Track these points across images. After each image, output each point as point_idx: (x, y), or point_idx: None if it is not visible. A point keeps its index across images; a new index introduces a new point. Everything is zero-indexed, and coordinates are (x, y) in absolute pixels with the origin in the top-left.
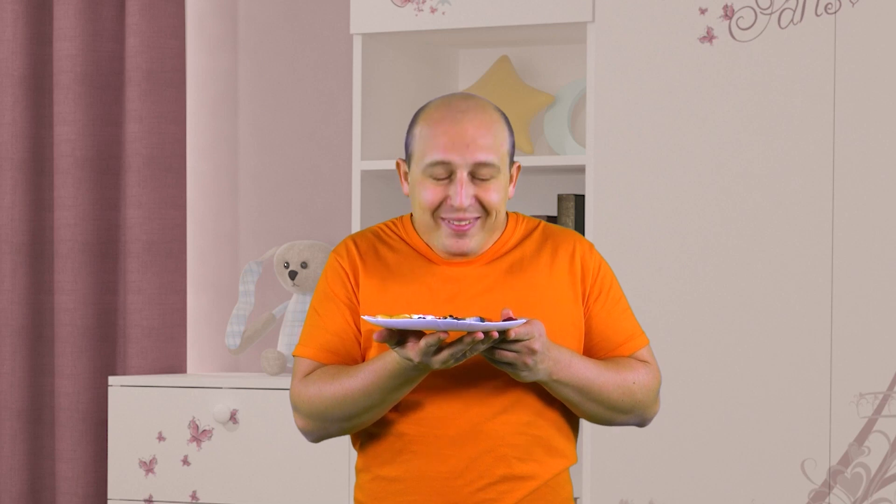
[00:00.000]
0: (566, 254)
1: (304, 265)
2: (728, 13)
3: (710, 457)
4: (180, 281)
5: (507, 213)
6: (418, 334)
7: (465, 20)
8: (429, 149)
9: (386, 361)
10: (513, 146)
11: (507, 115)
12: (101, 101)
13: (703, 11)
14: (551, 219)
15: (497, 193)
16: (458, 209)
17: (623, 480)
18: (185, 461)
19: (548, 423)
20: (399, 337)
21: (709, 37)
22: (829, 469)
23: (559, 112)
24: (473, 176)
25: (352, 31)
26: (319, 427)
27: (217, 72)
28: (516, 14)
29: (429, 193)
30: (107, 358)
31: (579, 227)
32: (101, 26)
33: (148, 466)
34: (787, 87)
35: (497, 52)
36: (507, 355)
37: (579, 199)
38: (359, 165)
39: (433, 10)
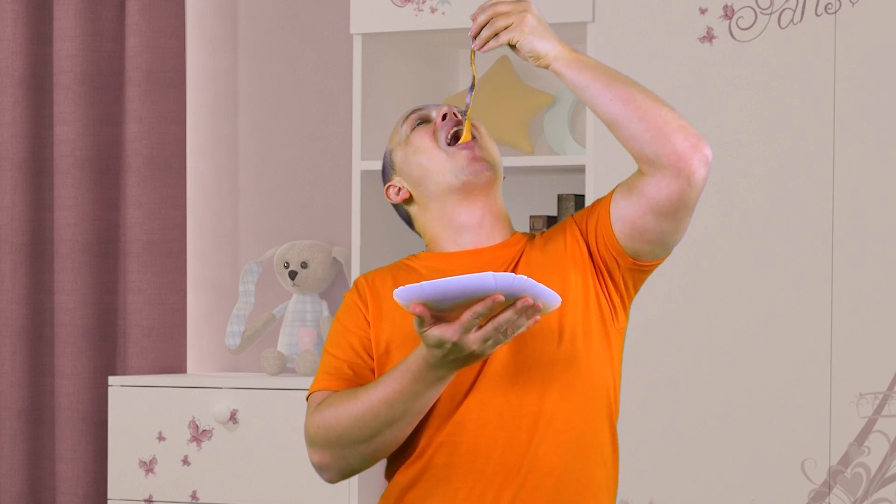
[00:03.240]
0: (559, 234)
1: (304, 265)
2: (728, 13)
3: (710, 457)
4: (180, 281)
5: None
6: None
7: (465, 20)
8: (398, 125)
9: (408, 363)
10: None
11: (507, 115)
12: (101, 101)
13: (703, 11)
14: (551, 219)
15: (480, 125)
16: (447, 119)
17: (623, 480)
18: (185, 461)
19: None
20: (433, 322)
21: (709, 37)
22: (829, 469)
23: (559, 112)
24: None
25: (352, 31)
26: (338, 457)
27: (217, 72)
28: None
29: (419, 135)
30: (107, 358)
31: None
32: (101, 26)
33: (148, 466)
34: (787, 87)
35: (497, 52)
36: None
37: (579, 199)
38: (359, 165)
39: (433, 10)
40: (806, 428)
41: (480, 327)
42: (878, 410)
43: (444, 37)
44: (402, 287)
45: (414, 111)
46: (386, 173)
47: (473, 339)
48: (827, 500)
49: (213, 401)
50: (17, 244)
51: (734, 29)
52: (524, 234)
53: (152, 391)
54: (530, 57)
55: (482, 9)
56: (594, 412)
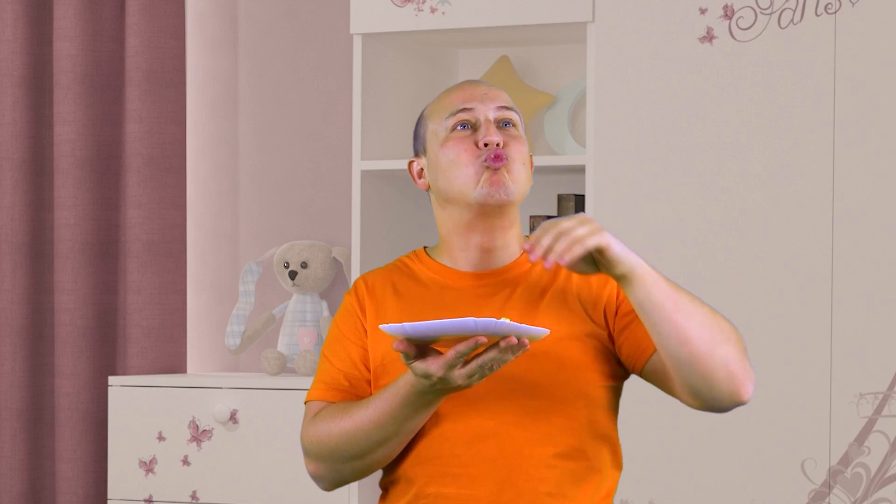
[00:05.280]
0: (600, 288)
1: (304, 265)
2: (728, 13)
3: (710, 457)
4: (180, 281)
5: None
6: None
7: (465, 20)
8: (445, 107)
9: (398, 387)
10: (525, 132)
11: None
12: (101, 101)
13: (703, 11)
14: (551, 219)
15: (521, 144)
16: (491, 144)
17: (623, 480)
18: (185, 461)
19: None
20: (418, 351)
21: (709, 37)
22: (829, 469)
23: (559, 112)
24: (497, 126)
25: (352, 31)
26: (332, 470)
27: (217, 72)
28: (516, 14)
29: (457, 146)
30: (107, 358)
31: None
32: (101, 26)
33: (148, 466)
34: (787, 87)
35: (497, 52)
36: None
37: (579, 199)
38: (359, 165)
39: (433, 10)
40: (806, 428)
41: (466, 363)
42: (878, 410)
43: (444, 37)
44: (386, 325)
45: (462, 109)
46: (416, 144)
47: (458, 375)
48: (827, 500)
49: (213, 401)
50: (17, 244)
51: (734, 29)
52: None
53: (152, 391)
54: (609, 263)
55: (544, 230)
56: (598, 457)
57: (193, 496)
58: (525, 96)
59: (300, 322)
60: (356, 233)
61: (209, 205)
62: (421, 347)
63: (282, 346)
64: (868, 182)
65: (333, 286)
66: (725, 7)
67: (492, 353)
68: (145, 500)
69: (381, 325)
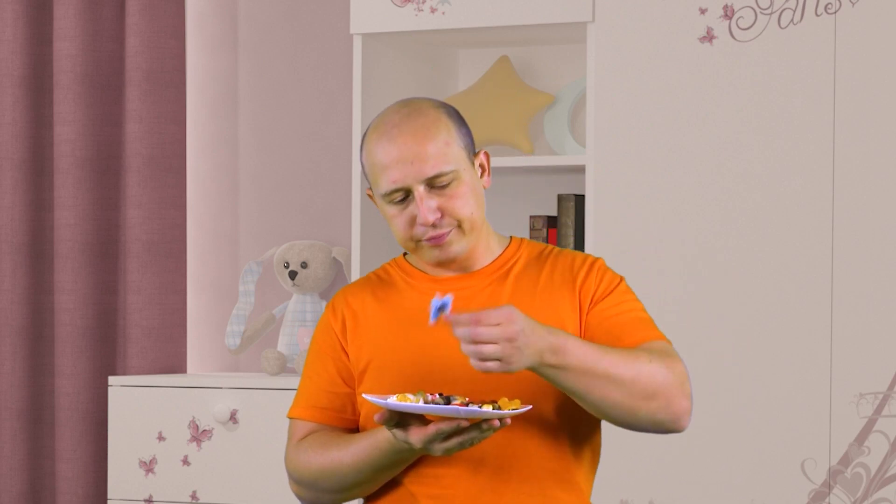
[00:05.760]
0: (569, 272)
1: (304, 265)
2: (728, 13)
3: (710, 457)
4: (180, 281)
5: (510, 237)
6: (420, 417)
7: (465, 20)
8: (377, 178)
9: (377, 440)
10: (468, 138)
11: (507, 115)
12: (101, 101)
13: (703, 11)
14: (551, 219)
15: (461, 198)
16: (427, 226)
17: (623, 480)
18: (185, 461)
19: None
20: (399, 418)
21: (709, 37)
22: (829, 469)
23: (559, 112)
24: (432, 187)
25: (352, 31)
26: (312, 496)
27: (217, 72)
28: (516, 14)
29: (397, 223)
30: (107, 358)
31: (579, 227)
32: (101, 26)
33: (148, 466)
34: (787, 87)
35: (497, 52)
36: (487, 349)
37: (579, 199)
38: (359, 165)
39: (433, 10)
40: (806, 428)
41: (446, 438)
42: (878, 410)
43: (444, 37)
44: (370, 395)
45: (394, 189)
46: (364, 175)
47: (438, 448)
48: (827, 500)
49: (213, 401)
50: (17, 244)
51: (734, 29)
52: (521, 242)
53: (152, 391)
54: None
55: (464, 325)
56: (585, 475)
57: (193, 496)
58: (525, 96)
59: (300, 322)
60: (356, 233)
61: (209, 205)
62: (404, 413)
63: (282, 346)
64: (868, 182)
65: (333, 286)
66: (725, 7)
67: (473, 433)
68: (145, 500)
69: (364, 395)
